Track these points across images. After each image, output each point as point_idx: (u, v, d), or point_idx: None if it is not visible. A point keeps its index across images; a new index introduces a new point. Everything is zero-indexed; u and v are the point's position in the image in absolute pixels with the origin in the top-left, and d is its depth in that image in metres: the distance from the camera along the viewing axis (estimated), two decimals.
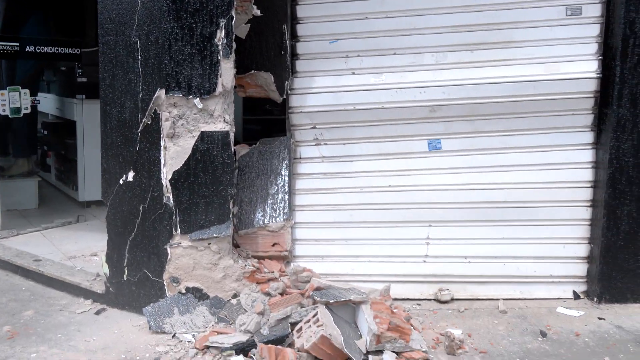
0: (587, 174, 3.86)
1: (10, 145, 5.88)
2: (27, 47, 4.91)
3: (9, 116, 5.07)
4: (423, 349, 3.15)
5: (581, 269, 3.92)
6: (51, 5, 6.04)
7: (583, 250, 3.90)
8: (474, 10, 3.78)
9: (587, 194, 3.87)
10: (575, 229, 3.90)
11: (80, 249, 4.67)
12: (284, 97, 3.92)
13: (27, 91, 5.20)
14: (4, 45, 4.78)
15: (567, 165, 3.86)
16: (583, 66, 3.75)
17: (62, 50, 5.23)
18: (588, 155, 3.85)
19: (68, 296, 3.95)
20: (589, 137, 3.84)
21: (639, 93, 3.64)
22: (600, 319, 3.61)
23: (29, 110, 5.26)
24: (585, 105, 3.79)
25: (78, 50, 5.34)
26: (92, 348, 3.26)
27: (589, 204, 3.88)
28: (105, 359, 3.14)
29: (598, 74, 3.73)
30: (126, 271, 3.68)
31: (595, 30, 3.74)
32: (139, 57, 3.50)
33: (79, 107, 5.74)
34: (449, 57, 3.83)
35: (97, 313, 3.70)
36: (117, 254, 3.70)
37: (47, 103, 6.49)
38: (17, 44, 4.86)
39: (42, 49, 5.05)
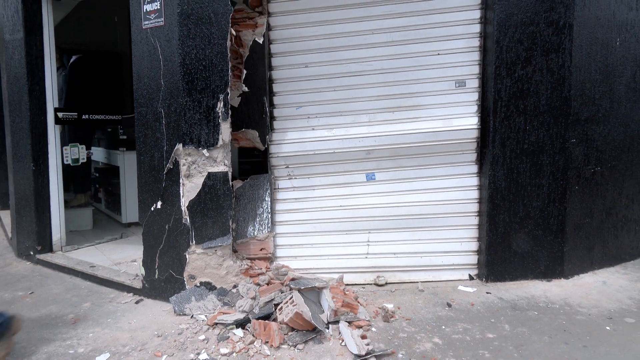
0: (474, 194, 3.94)
1: (72, 184, 5.82)
2: (83, 115, 4.91)
3: (71, 164, 5.05)
4: (367, 319, 3.20)
5: (473, 259, 3.98)
6: (100, 85, 6.06)
7: (474, 246, 3.97)
8: (394, 85, 3.86)
9: (474, 207, 3.94)
10: (468, 231, 3.96)
11: (123, 257, 4.62)
12: (266, 146, 3.95)
13: (84, 146, 5.18)
14: (67, 114, 4.77)
15: (460, 188, 3.93)
16: (468, 121, 3.85)
17: (108, 117, 5.22)
18: (474, 180, 3.93)
19: (115, 291, 3.92)
20: (474, 168, 3.92)
21: (506, 138, 3.75)
22: (487, 293, 3.68)
23: (85, 160, 5.23)
24: (471, 147, 3.88)
25: (120, 117, 5.33)
26: (133, 328, 3.25)
27: (476, 214, 3.95)
28: (143, 335, 3.12)
29: (478, 126, 3.83)
30: (157, 272, 3.66)
31: (475, 96, 3.84)
32: (163, 122, 3.52)
33: (121, 156, 5.71)
34: (377, 117, 3.90)
35: (137, 303, 3.68)
36: (150, 260, 3.69)
37: (98, 154, 6.44)
38: (76, 114, 4.85)
39: (94, 116, 5.05)
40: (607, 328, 3.09)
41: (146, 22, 3.53)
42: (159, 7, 3.45)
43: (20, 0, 4.46)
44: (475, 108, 3.85)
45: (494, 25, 3.64)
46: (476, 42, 3.79)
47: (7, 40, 4.64)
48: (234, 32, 3.62)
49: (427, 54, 3.82)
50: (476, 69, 3.81)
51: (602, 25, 3.88)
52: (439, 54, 3.81)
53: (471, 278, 3.97)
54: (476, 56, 3.81)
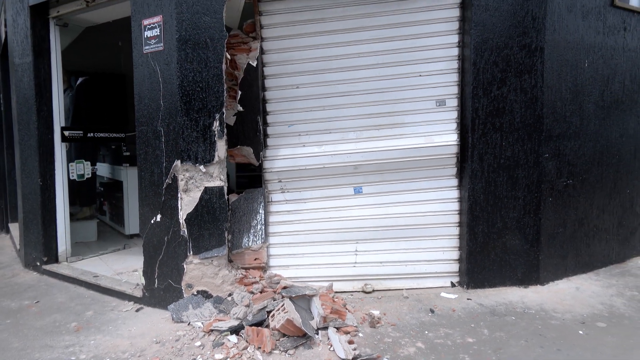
0: (455, 206, 3.95)
1: (78, 198, 5.81)
2: (89, 133, 4.91)
3: (76, 180, 5.04)
4: (354, 325, 3.19)
5: (455, 267, 3.98)
6: (105, 105, 6.07)
7: (455, 255, 3.97)
8: (379, 104, 3.89)
9: (455, 218, 3.95)
10: (450, 241, 3.96)
11: (125, 267, 4.60)
12: (260, 162, 3.95)
13: (89, 162, 5.16)
14: (73, 133, 4.77)
15: (442, 200, 3.95)
16: (448, 137, 3.87)
17: (112, 134, 5.21)
18: (454, 193, 3.94)
19: (117, 300, 3.90)
20: (454, 182, 3.94)
21: (484, 153, 3.78)
22: (468, 299, 3.68)
23: (90, 175, 5.21)
24: (451, 162, 3.90)
25: (123, 135, 5.33)
26: (133, 335, 3.23)
27: (457, 224, 3.96)
28: (142, 342, 3.11)
29: (457, 142, 3.85)
30: (156, 281, 3.65)
31: (454, 114, 3.87)
32: (163, 140, 3.54)
33: (124, 172, 5.72)
34: (364, 134, 3.92)
35: (137, 311, 3.65)
36: (150, 270, 3.68)
37: (103, 169, 6.45)
38: (82, 132, 4.85)
39: (99, 134, 5.05)
40: (580, 332, 3.10)
41: (147, 47, 3.56)
42: (158, 33, 3.48)
43: (30, 27, 4.49)
44: (454, 125, 3.88)
45: (471, 49, 3.70)
46: (455, 65, 3.84)
47: (17, 63, 4.66)
48: (229, 56, 3.65)
49: (410, 76, 3.85)
50: (455, 89, 3.85)
51: (571, 48, 3.95)
52: (420, 76, 3.85)
53: (453, 285, 3.97)
54: (455, 77, 3.84)
